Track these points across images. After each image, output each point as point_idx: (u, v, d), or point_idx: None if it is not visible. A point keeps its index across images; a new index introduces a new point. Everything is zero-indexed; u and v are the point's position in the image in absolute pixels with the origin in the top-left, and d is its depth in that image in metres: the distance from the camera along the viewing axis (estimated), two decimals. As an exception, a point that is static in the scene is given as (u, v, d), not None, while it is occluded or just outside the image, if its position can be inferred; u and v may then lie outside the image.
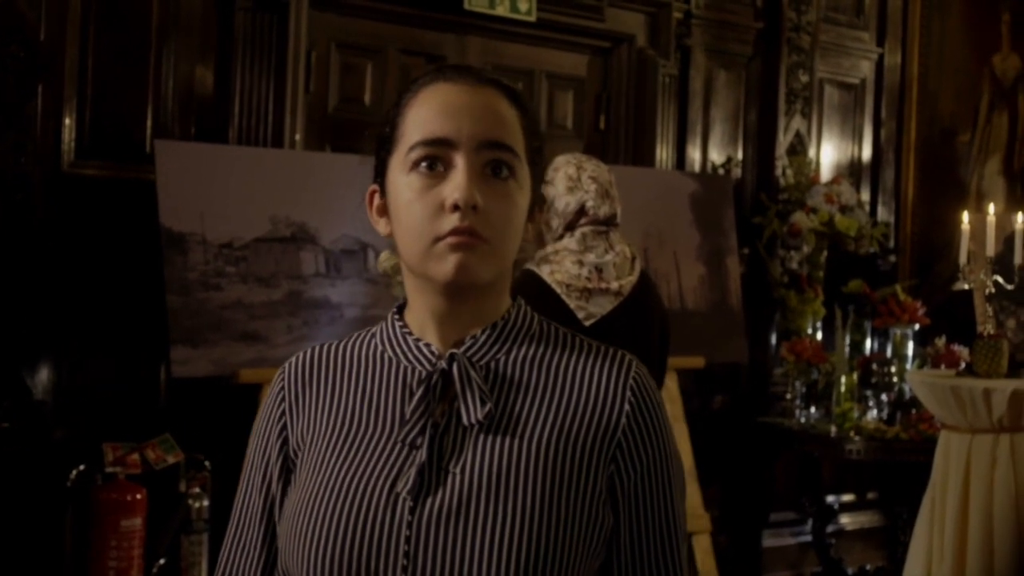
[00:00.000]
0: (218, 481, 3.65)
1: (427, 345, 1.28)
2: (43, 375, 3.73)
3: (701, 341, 4.65)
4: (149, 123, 3.91)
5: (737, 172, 5.28)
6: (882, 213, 5.85)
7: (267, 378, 3.29)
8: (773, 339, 5.31)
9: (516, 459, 1.21)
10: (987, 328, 3.82)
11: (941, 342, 5.15)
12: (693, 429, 4.49)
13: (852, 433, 4.80)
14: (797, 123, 5.40)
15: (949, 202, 5.79)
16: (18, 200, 3.57)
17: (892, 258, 5.81)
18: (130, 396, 3.85)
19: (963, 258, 4.00)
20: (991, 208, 4.07)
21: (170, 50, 3.94)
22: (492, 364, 1.27)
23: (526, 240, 1.30)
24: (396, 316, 1.33)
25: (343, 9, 4.42)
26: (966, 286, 3.98)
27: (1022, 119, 6.01)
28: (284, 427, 1.31)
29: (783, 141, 5.35)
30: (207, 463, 3.71)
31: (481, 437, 1.23)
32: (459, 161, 1.23)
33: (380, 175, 1.31)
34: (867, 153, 5.83)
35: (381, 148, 1.30)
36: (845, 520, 5.58)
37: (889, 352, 5.29)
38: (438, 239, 1.22)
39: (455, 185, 1.21)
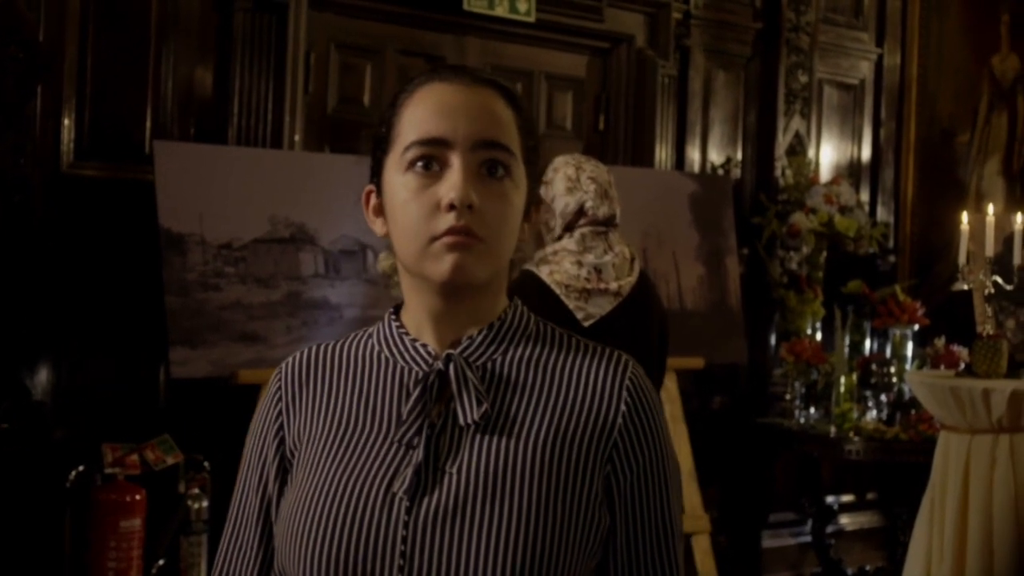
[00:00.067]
0: (217, 482, 3.65)
1: (423, 345, 1.28)
2: (42, 376, 3.73)
3: (700, 342, 4.65)
4: (148, 124, 3.91)
5: (736, 172, 5.28)
6: (881, 213, 5.86)
7: (266, 379, 3.29)
8: (772, 339, 5.31)
9: (512, 459, 1.21)
10: (986, 328, 3.82)
11: (940, 342, 5.15)
12: (692, 430, 4.49)
13: (851, 433, 4.80)
14: (796, 123, 5.40)
15: (948, 202, 5.79)
16: (17, 201, 3.57)
17: (891, 258, 5.82)
18: (129, 397, 3.85)
19: (962, 258, 4.00)
20: (990, 208, 4.07)
21: (169, 51, 3.94)
22: (489, 364, 1.27)
23: (522, 240, 1.30)
24: (393, 316, 1.33)
25: (342, 10, 4.42)
26: (965, 286, 3.98)
27: (1021, 119, 6.01)
28: (281, 427, 1.32)
29: (782, 141, 5.35)
30: (206, 464, 3.71)
31: (477, 437, 1.23)
32: (455, 161, 1.23)
33: (376, 175, 1.31)
34: (866, 153, 5.83)
35: (377, 148, 1.30)
36: (845, 520, 5.58)
37: (888, 352, 5.29)
38: (434, 239, 1.22)
39: (451, 185, 1.22)
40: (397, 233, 1.26)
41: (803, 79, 5.41)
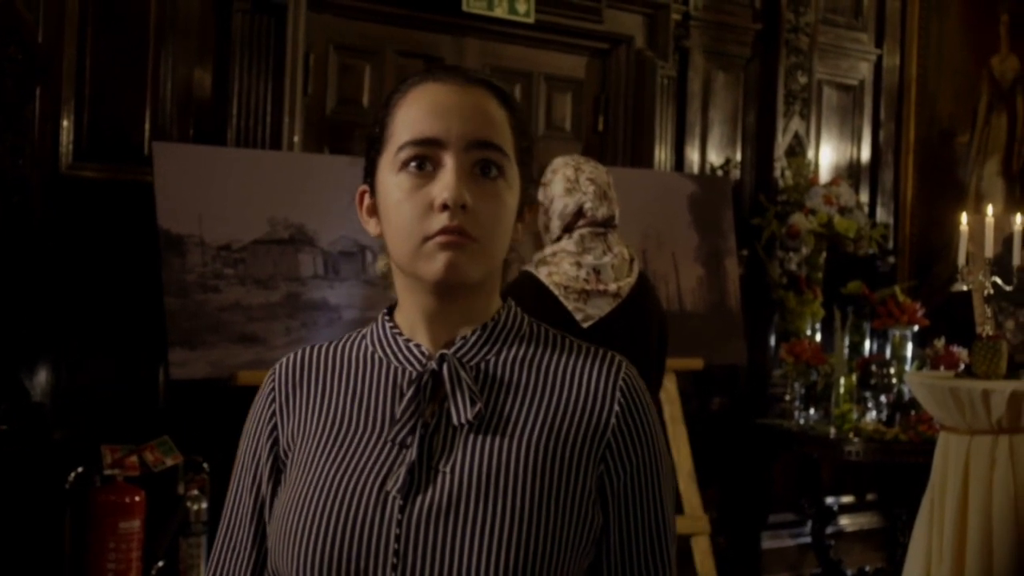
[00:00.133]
0: (217, 483, 3.64)
1: (417, 346, 1.29)
2: (42, 377, 3.72)
3: (700, 343, 4.64)
4: (147, 125, 3.90)
5: (736, 173, 5.28)
6: (881, 214, 5.86)
7: (265, 380, 3.29)
8: (772, 340, 5.31)
9: (506, 459, 1.22)
10: (986, 329, 3.82)
11: (940, 343, 5.15)
12: (692, 431, 4.49)
13: (851, 434, 4.80)
14: (796, 124, 5.40)
15: (948, 203, 5.79)
16: (16, 202, 3.57)
17: (891, 259, 5.81)
18: (129, 398, 3.85)
19: (962, 259, 4.00)
20: (990, 209, 4.07)
21: (168, 52, 3.94)
22: (482, 365, 1.28)
23: (515, 240, 1.31)
24: (386, 317, 1.33)
25: (341, 11, 4.41)
26: (965, 287, 3.98)
27: (1021, 120, 6.01)
28: (274, 428, 1.32)
29: (782, 142, 5.35)
30: (205, 465, 3.71)
31: (471, 437, 1.23)
32: (448, 161, 1.23)
33: (370, 175, 1.32)
34: (866, 154, 5.83)
35: (371, 148, 1.31)
36: (844, 521, 5.58)
37: (888, 353, 5.29)
38: (427, 238, 1.22)
39: (444, 185, 1.22)
40: (391, 233, 1.27)
41: (802, 80, 5.41)
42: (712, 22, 5.20)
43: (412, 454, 1.22)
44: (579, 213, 2.94)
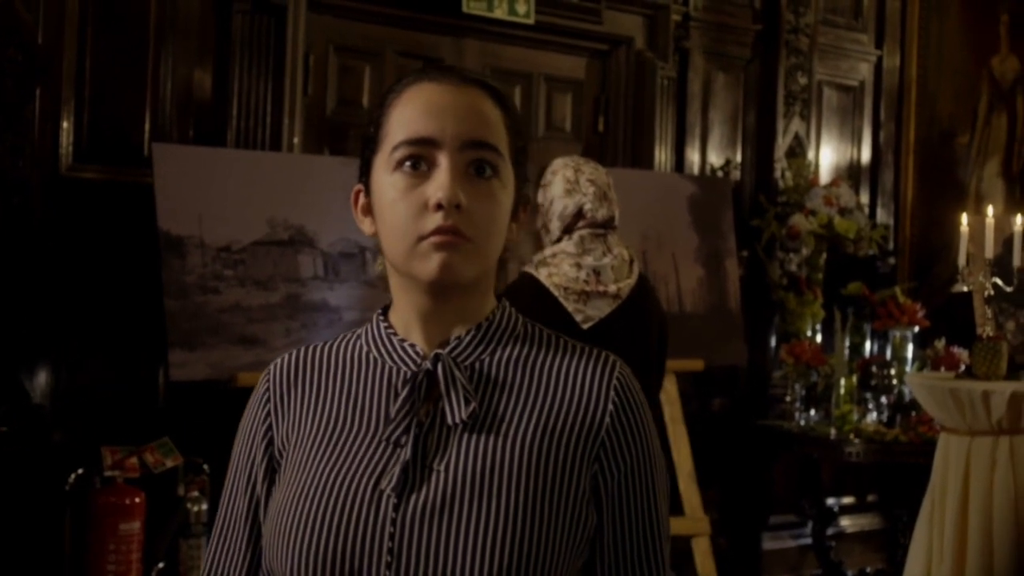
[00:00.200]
0: (217, 485, 3.64)
1: (412, 346, 1.29)
2: (41, 378, 3.72)
3: (700, 343, 4.64)
4: (147, 126, 3.90)
5: (736, 174, 5.28)
6: (881, 215, 5.85)
7: (265, 381, 3.28)
8: (772, 341, 5.31)
9: (500, 458, 1.22)
10: (986, 330, 3.82)
11: (940, 344, 5.15)
12: (692, 431, 4.49)
13: (852, 435, 4.80)
14: (796, 125, 5.40)
15: (948, 204, 5.79)
16: (16, 203, 3.57)
17: (891, 260, 5.81)
18: (128, 399, 3.85)
19: (962, 260, 4.00)
20: (990, 210, 4.07)
21: (168, 53, 3.94)
22: (477, 364, 1.28)
23: (510, 240, 1.31)
24: (381, 317, 1.34)
25: (341, 12, 4.41)
26: (965, 288, 3.98)
27: (1021, 121, 6.01)
28: (269, 428, 1.32)
29: (782, 143, 5.35)
30: (206, 467, 3.71)
31: (465, 436, 1.23)
32: (443, 160, 1.24)
33: (365, 174, 1.32)
34: (866, 155, 5.83)
35: (366, 147, 1.31)
36: (845, 522, 5.58)
37: (888, 354, 5.29)
38: (422, 238, 1.23)
39: (438, 184, 1.22)
40: (385, 232, 1.27)
41: (802, 81, 5.41)
42: (712, 23, 5.20)
43: (406, 453, 1.22)
44: (579, 214, 2.94)
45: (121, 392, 3.83)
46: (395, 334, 1.31)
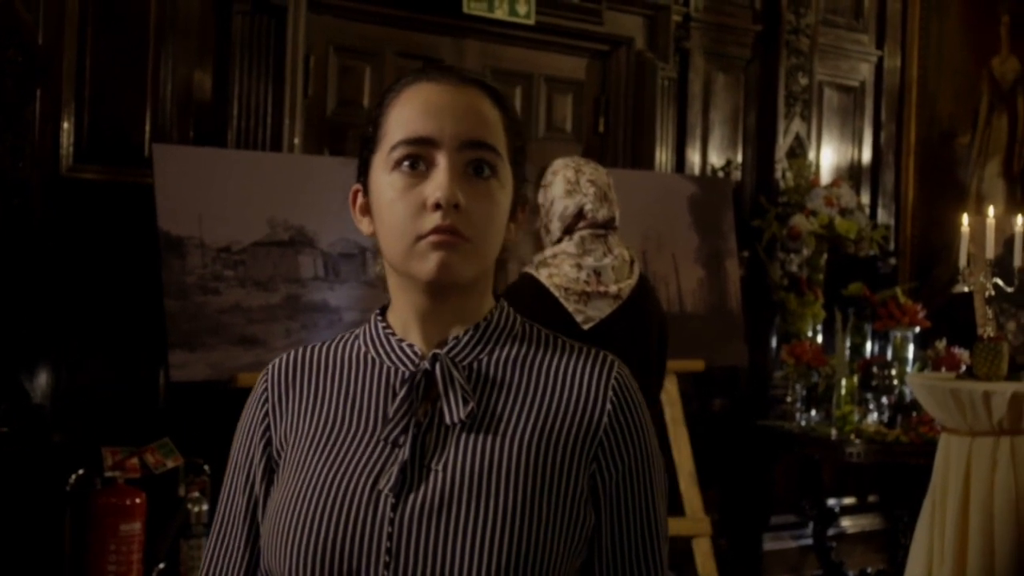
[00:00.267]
0: (217, 485, 3.63)
1: (410, 346, 1.29)
2: (42, 379, 3.72)
3: (700, 344, 4.64)
4: (147, 127, 3.90)
5: (736, 175, 5.28)
6: (882, 216, 5.85)
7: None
8: (773, 342, 5.31)
9: (498, 457, 1.22)
10: (987, 331, 3.82)
11: (941, 345, 5.15)
12: (693, 432, 4.48)
13: (852, 436, 4.79)
14: (796, 126, 5.39)
15: (949, 204, 5.78)
16: (16, 204, 3.57)
17: (892, 261, 5.81)
18: (129, 400, 3.84)
19: (963, 261, 4.00)
20: (991, 210, 4.07)
21: (168, 53, 3.94)
22: (475, 364, 1.28)
23: (508, 240, 1.31)
24: (379, 317, 1.34)
25: (341, 12, 4.41)
26: (966, 289, 3.98)
27: (1021, 121, 6.01)
28: (267, 428, 1.32)
29: (782, 144, 5.35)
30: (206, 467, 3.71)
31: (463, 436, 1.23)
32: (441, 160, 1.24)
33: (363, 174, 1.32)
34: (867, 155, 5.82)
35: (364, 147, 1.31)
36: (846, 523, 5.58)
37: (889, 355, 5.28)
38: (420, 238, 1.23)
39: (437, 184, 1.22)
40: (383, 232, 1.27)
41: (803, 81, 5.41)
42: (712, 23, 5.20)
43: (405, 453, 1.22)
44: (579, 215, 2.94)
45: (121, 392, 3.83)
46: (393, 334, 1.31)
